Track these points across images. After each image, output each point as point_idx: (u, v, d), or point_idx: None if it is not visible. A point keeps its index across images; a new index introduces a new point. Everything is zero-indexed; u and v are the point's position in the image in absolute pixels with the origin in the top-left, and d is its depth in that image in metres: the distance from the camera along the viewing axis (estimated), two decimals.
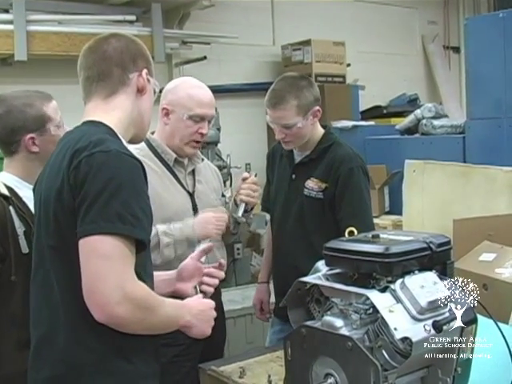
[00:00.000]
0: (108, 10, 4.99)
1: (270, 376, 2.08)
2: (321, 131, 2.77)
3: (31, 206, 2.03)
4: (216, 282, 1.99)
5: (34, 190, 1.85)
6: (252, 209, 2.63)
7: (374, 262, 1.53)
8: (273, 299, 3.05)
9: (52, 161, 1.69)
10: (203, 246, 2.07)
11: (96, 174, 1.52)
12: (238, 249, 5.24)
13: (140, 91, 1.78)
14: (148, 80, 1.79)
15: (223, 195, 2.77)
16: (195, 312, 1.72)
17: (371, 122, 5.67)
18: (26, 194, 2.12)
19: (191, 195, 2.57)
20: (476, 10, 7.75)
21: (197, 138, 2.50)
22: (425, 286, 1.50)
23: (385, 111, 6.40)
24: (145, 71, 1.78)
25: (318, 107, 2.69)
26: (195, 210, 2.54)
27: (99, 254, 1.49)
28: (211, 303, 1.81)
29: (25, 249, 2.05)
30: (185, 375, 2.40)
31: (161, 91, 2.17)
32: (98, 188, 1.51)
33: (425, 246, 1.58)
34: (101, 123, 1.70)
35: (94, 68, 1.74)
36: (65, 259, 1.59)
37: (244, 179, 2.59)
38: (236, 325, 4.23)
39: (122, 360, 1.61)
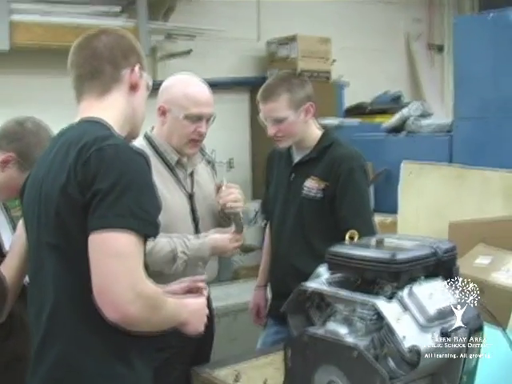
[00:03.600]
0: (93, 1, 4.89)
1: (266, 380, 2.04)
2: (319, 131, 2.76)
3: None
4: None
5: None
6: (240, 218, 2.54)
7: (381, 269, 1.50)
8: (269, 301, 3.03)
9: (52, 157, 1.64)
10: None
11: (107, 169, 1.50)
12: None
13: (133, 87, 1.74)
14: (141, 75, 1.76)
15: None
16: (191, 309, 1.71)
17: (357, 120, 5.65)
18: None
19: (191, 197, 2.51)
20: (460, 8, 7.77)
21: (195, 138, 2.43)
22: (433, 294, 1.47)
23: (368, 108, 6.38)
24: (137, 66, 1.74)
25: (310, 103, 2.68)
26: (194, 212, 2.49)
27: (110, 251, 1.46)
28: (204, 301, 1.81)
29: None
30: (177, 379, 2.36)
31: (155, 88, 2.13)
32: (109, 183, 1.48)
33: (432, 252, 1.55)
34: (100, 120, 1.67)
35: (86, 66, 1.71)
36: (66, 258, 1.56)
37: (219, 188, 2.52)
38: (220, 322, 4.20)
39: (123, 364, 1.58)
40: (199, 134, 2.44)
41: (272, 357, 2.22)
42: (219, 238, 2.45)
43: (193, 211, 2.50)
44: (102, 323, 1.49)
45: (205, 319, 1.78)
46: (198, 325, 1.74)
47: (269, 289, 3.05)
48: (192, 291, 1.91)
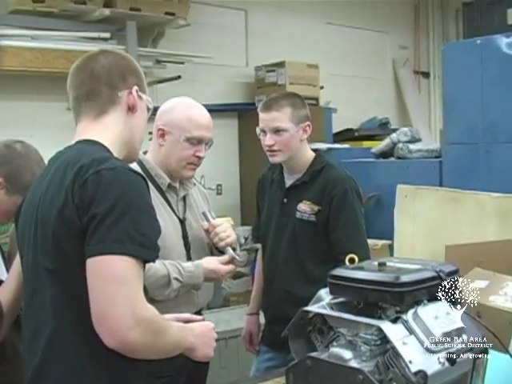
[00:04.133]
0: (82, 26, 4.88)
1: None
2: (311, 154, 2.76)
3: None
4: None
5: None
6: (235, 248, 2.50)
7: (385, 292, 1.49)
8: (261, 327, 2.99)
9: (49, 179, 1.61)
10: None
11: (105, 193, 1.47)
12: None
13: (131, 109, 1.72)
14: (140, 97, 1.73)
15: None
16: (197, 333, 1.67)
17: (346, 145, 5.68)
18: None
19: (182, 222, 2.46)
20: (445, 36, 7.87)
21: (193, 162, 2.40)
22: (438, 316, 1.46)
23: (356, 134, 6.42)
24: (135, 88, 1.72)
25: (308, 123, 2.69)
26: (185, 238, 2.45)
27: (109, 275, 1.43)
28: (211, 324, 1.76)
29: None
30: None
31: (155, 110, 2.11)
32: (107, 207, 1.45)
33: (435, 274, 1.54)
34: (97, 142, 1.65)
35: (83, 87, 1.69)
36: (65, 283, 1.52)
37: (207, 230, 2.47)
38: None
39: None
40: (198, 158, 2.41)
41: (270, 383, 2.18)
42: (212, 264, 2.41)
43: (184, 236, 2.46)
44: (103, 349, 1.45)
45: (214, 344, 1.73)
46: (206, 350, 1.69)
47: (261, 315, 3.02)
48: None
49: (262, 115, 2.70)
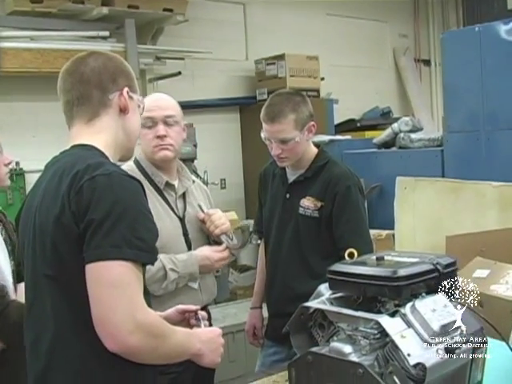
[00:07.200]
0: (81, 25, 4.90)
1: None
2: (314, 150, 2.75)
3: None
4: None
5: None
6: (230, 236, 2.54)
7: (383, 286, 1.50)
8: (265, 321, 3.00)
9: (45, 186, 1.62)
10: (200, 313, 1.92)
11: (100, 198, 1.48)
12: None
13: (123, 111, 1.71)
14: (131, 97, 1.72)
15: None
16: (204, 339, 1.66)
17: (348, 136, 5.68)
18: None
19: (182, 220, 2.48)
20: (445, 23, 7.85)
21: (157, 143, 2.42)
22: (436, 309, 1.47)
23: (358, 124, 6.42)
24: (126, 90, 1.71)
25: (312, 122, 2.68)
26: (186, 235, 2.47)
27: (107, 281, 1.44)
28: (218, 330, 1.75)
29: None
30: None
31: None
32: (103, 212, 1.46)
33: (432, 267, 1.55)
34: (92, 146, 1.65)
35: (73, 92, 1.68)
36: (65, 289, 1.53)
37: (202, 220, 2.51)
38: None
39: None
40: (160, 138, 2.42)
41: (273, 378, 2.19)
42: (205, 251, 2.44)
43: (185, 234, 2.48)
44: (105, 354, 1.46)
45: (221, 350, 1.71)
46: (213, 356, 1.67)
47: (265, 309, 3.03)
48: (188, 315, 1.88)
49: (265, 126, 2.66)
